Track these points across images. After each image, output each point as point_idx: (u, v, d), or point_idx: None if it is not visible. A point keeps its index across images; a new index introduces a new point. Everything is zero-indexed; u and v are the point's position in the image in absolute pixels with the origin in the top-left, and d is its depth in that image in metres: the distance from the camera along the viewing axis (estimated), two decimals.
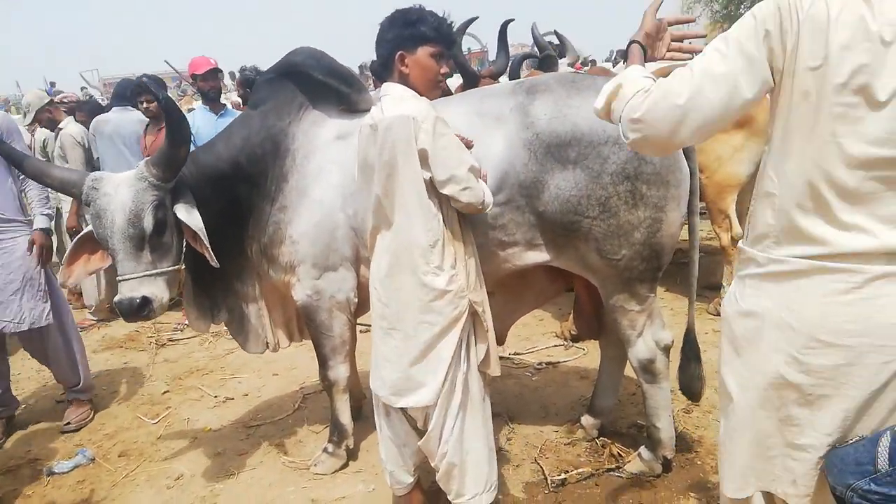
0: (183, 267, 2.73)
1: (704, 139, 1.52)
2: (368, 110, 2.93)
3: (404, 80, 2.19)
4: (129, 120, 5.39)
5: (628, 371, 3.02)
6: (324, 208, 2.78)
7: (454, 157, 2.12)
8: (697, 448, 2.95)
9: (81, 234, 2.76)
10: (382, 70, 2.23)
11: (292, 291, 2.90)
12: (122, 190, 2.53)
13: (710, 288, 4.81)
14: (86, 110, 5.90)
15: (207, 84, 4.96)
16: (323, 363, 3.02)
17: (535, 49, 5.95)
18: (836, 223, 1.35)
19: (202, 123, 4.92)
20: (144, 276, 2.57)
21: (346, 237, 2.80)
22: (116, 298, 2.58)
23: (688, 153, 2.56)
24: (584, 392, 3.60)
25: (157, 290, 2.60)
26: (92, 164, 5.37)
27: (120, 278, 2.56)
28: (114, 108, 5.61)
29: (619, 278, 2.58)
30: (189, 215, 2.63)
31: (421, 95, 2.19)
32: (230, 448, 3.37)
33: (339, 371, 3.02)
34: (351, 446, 3.10)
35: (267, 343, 3.16)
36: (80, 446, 3.52)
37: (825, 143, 1.33)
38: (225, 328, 3.29)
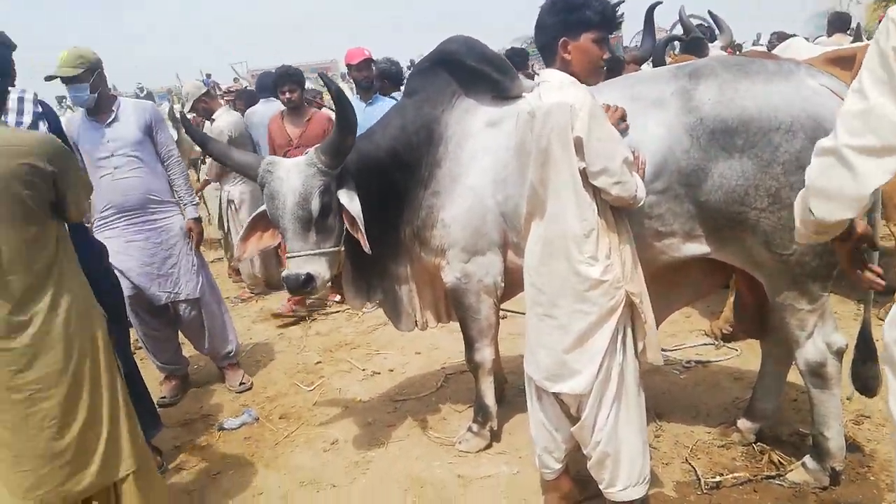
0: (343, 248, 2.90)
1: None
2: (520, 97, 2.97)
3: (565, 67, 2.16)
4: (272, 110, 5.76)
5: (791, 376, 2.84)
6: (475, 194, 2.84)
7: (608, 149, 2.08)
8: (870, 462, 2.71)
9: (256, 213, 3.00)
10: (544, 54, 2.21)
11: (442, 274, 2.99)
12: (293, 174, 2.72)
13: (885, 293, 4.37)
14: (244, 99, 6.37)
15: (361, 74, 5.19)
16: (469, 345, 3.10)
17: (681, 32, 5.67)
18: None
19: None
20: (310, 254, 2.75)
21: (495, 222, 2.84)
22: (284, 273, 2.79)
23: None
24: (737, 394, 3.42)
25: (320, 269, 2.77)
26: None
27: (288, 255, 2.77)
28: (261, 100, 6.10)
29: (788, 274, 2.42)
30: (350, 201, 2.78)
31: (581, 82, 2.15)
32: (379, 419, 3.55)
33: (485, 353, 3.09)
34: (495, 428, 3.16)
35: (416, 322, 3.28)
36: (245, 406, 3.86)
37: None
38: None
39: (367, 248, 2.75)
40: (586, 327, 2.17)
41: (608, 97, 2.54)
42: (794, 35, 6.93)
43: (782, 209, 2.31)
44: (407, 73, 5.56)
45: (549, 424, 2.39)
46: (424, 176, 2.93)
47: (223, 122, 5.73)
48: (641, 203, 2.20)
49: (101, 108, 3.62)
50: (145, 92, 20.75)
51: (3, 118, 2.48)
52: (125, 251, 3.63)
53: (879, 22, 1.36)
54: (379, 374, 4.16)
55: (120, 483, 2.25)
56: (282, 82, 5.04)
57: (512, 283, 3.00)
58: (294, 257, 2.74)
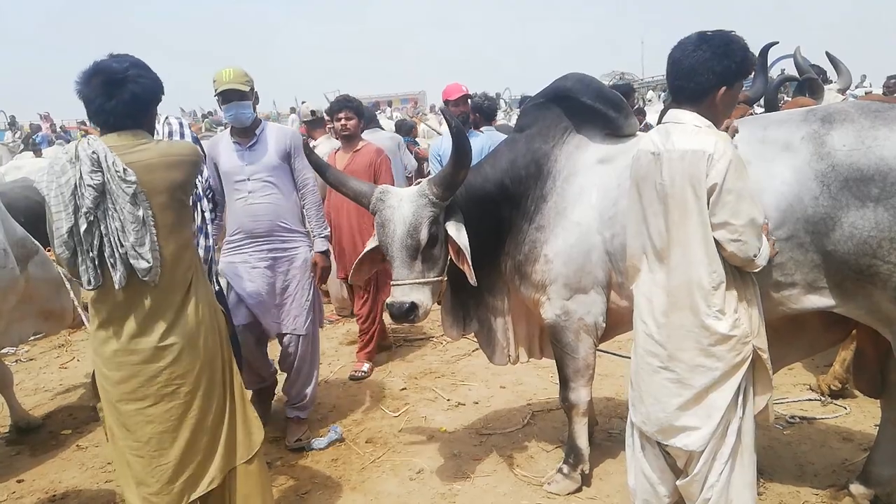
0: (446, 279, 2.93)
1: None
2: (634, 135, 2.94)
3: (711, 112, 2.10)
4: (381, 138, 6.08)
5: None
6: (581, 230, 2.82)
7: (736, 205, 2.00)
8: None
9: (370, 246, 3.06)
10: (693, 96, 2.11)
11: (541, 310, 2.97)
12: (405, 204, 2.79)
13: None
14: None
15: (458, 109, 5.27)
16: (565, 384, 3.05)
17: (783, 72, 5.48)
18: None
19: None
20: (415, 283, 2.79)
21: (600, 260, 2.81)
22: (388, 300, 2.83)
23: None
24: (847, 455, 3.21)
25: (424, 298, 2.81)
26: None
27: (394, 283, 2.82)
28: (366, 130, 6.34)
29: None
30: (458, 233, 2.81)
31: (717, 126, 2.10)
32: (465, 452, 3.52)
33: (581, 394, 3.03)
34: (587, 471, 3.08)
35: (509, 356, 3.26)
36: (333, 423, 3.92)
37: None
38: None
39: (472, 280, 2.77)
40: (708, 383, 2.09)
41: (738, 137, 2.49)
42: None
43: None
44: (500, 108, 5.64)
45: (652, 476, 2.30)
46: (530, 210, 2.94)
47: (323, 149, 5.96)
48: (759, 269, 2.10)
49: (247, 130, 3.56)
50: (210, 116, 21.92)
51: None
52: (248, 276, 3.54)
53: None
54: (464, 405, 4.14)
55: (233, 471, 2.37)
56: (338, 108, 4.75)
57: (613, 324, 2.94)
58: (400, 285, 2.78)
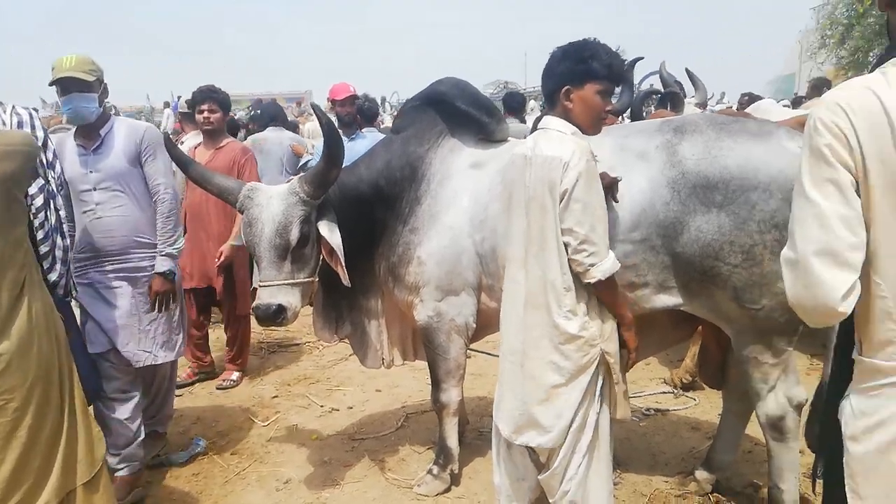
0: (317, 279, 2.86)
1: None
2: (505, 141, 3.01)
3: (566, 115, 2.20)
4: (283, 138, 6.02)
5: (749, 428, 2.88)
6: (453, 233, 2.85)
7: (581, 215, 2.08)
8: None
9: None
10: (548, 101, 2.25)
11: (414, 311, 2.97)
12: (274, 202, 2.69)
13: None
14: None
15: (344, 109, 5.20)
16: (436, 385, 3.06)
17: (652, 86, 5.88)
18: None
19: None
20: (283, 284, 2.70)
21: (470, 263, 2.85)
22: (254, 303, 2.71)
23: None
24: (695, 444, 3.46)
25: (292, 299, 2.72)
26: None
27: (261, 284, 2.70)
28: (269, 127, 6.17)
29: (755, 329, 2.48)
30: (331, 233, 2.75)
31: (583, 132, 2.19)
32: (335, 458, 3.44)
33: (452, 394, 3.05)
34: (456, 471, 3.10)
35: (382, 359, 3.24)
36: (195, 435, 3.70)
37: None
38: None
39: (346, 280, 2.73)
40: (558, 382, 2.18)
41: (602, 142, 2.59)
42: (760, 97, 7.28)
43: (754, 266, 2.38)
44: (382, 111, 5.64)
45: (515, 473, 2.36)
46: (405, 212, 2.93)
47: (191, 144, 5.66)
48: (594, 281, 2.13)
49: (90, 128, 3.02)
50: (114, 111, 20.39)
51: None
52: (104, 299, 3.03)
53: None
54: (338, 410, 4.06)
55: (72, 493, 2.13)
56: (201, 99, 4.37)
57: (483, 324, 2.99)
58: (267, 286, 2.68)
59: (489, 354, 4.15)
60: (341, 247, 2.73)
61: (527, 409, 2.23)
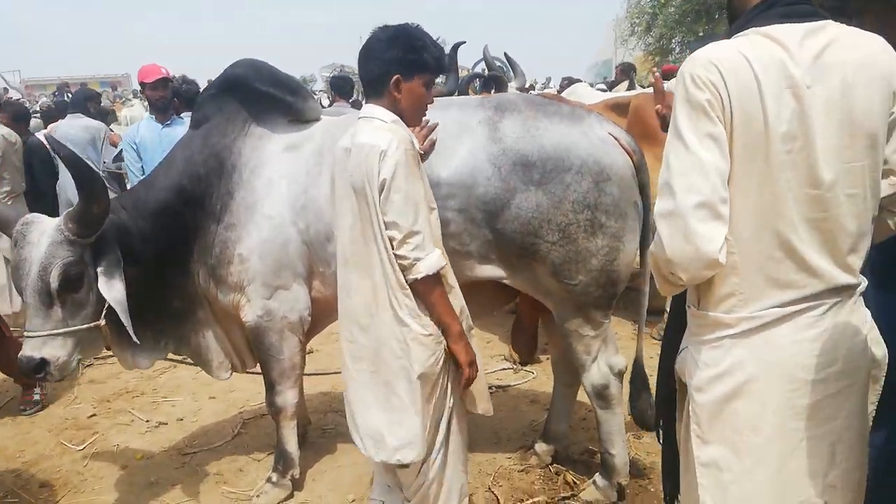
0: (104, 322, 2.54)
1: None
2: (318, 119, 2.87)
3: (392, 104, 2.04)
4: (79, 127, 5.41)
5: (579, 396, 3.02)
6: (273, 223, 2.69)
7: (403, 207, 1.94)
8: (650, 474, 2.96)
9: None
10: (369, 87, 2.07)
11: (241, 313, 2.77)
12: (43, 240, 2.40)
13: (652, 313, 4.89)
14: (9, 112, 5.53)
15: (156, 94, 4.73)
16: (270, 388, 2.89)
17: (484, 71, 6.02)
18: (807, 267, 1.37)
19: (147, 133, 4.71)
20: (50, 335, 2.43)
21: (298, 252, 2.70)
22: (20, 354, 2.45)
23: (642, 188, 2.60)
24: (534, 417, 3.58)
25: (59, 352, 2.46)
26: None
27: (26, 334, 2.44)
28: (68, 116, 5.50)
29: (574, 303, 2.58)
30: (110, 288, 2.46)
31: (406, 123, 2.07)
32: (164, 477, 3.16)
33: (287, 397, 2.89)
34: (297, 476, 2.96)
35: (231, 366, 3.00)
36: None
37: (782, 193, 1.35)
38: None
39: (133, 336, 2.47)
40: (411, 384, 2.02)
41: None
42: (580, 80, 7.70)
43: (570, 243, 2.47)
44: None
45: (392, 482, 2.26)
46: (217, 209, 2.72)
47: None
48: (420, 276, 1.97)
49: None
50: None
51: None
52: None
53: (658, 73, 1.43)
54: (166, 424, 3.73)
55: None
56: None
57: (320, 314, 2.85)
58: (30, 337, 2.41)
59: (322, 374, 4.05)
60: (122, 301, 2.46)
61: (383, 421, 2.07)
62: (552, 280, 2.53)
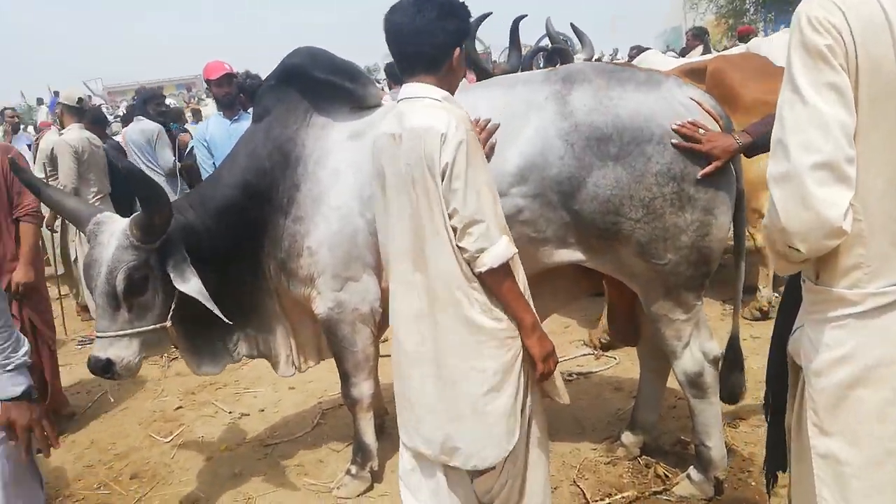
0: (169, 324, 2.55)
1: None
2: (379, 105, 2.77)
3: (444, 81, 1.87)
4: (136, 130, 5.55)
5: (669, 381, 2.83)
6: (341, 214, 2.62)
7: (465, 193, 1.75)
8: (749, 467, 2.74)
9: None
10: (422, 65, 1.87)
11: (313, 306, 2.73)
12: (112, 242, 2.42)
13: (744, 291, 4.58)
14: (88, 117, 5.73)
15: (222, 90, 4.79)
16: (345, 380, 2.84)
17: (548, 45, 5.78)
18: None
19: (216, 130, 4.80)
20: (117, 335, 2.46)
21: (367, 243, 2.62)
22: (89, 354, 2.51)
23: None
24: (619, 405, 3.40)
25: (125, 353, 2.48)
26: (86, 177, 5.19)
27: (96, 334, 2.48)
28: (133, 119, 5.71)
29: (663, 284, 2.39)
30: (184, 281, 2.45)
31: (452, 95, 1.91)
32: (247, 469, 3.19)
33: (363, 388, 2.84)
34: (376, 468, 2.91)
35: (294, 364, 2.98)
36: (89, 468, 3.36)
37: None
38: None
39: (224, 318, 2.47)
40: (484, 388, 1.85)
41: (484, 95, 2.43)
42: (649, 48, 7.32)
43: (656, 220, 2.28)
44: None
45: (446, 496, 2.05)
46: (283, 202, 2.67)
47: (72, 136, 5.16)
48: (485, 269, 1.78)
49: None
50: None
51: None
52: None
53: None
54: (248, 415, 3.78)
55: None
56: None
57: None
58: (99, 337, 2.45)
59: None
60: (203, 291, 2.45)
61: (454, 426, 1.89)
62: (638, 260, 2.35)
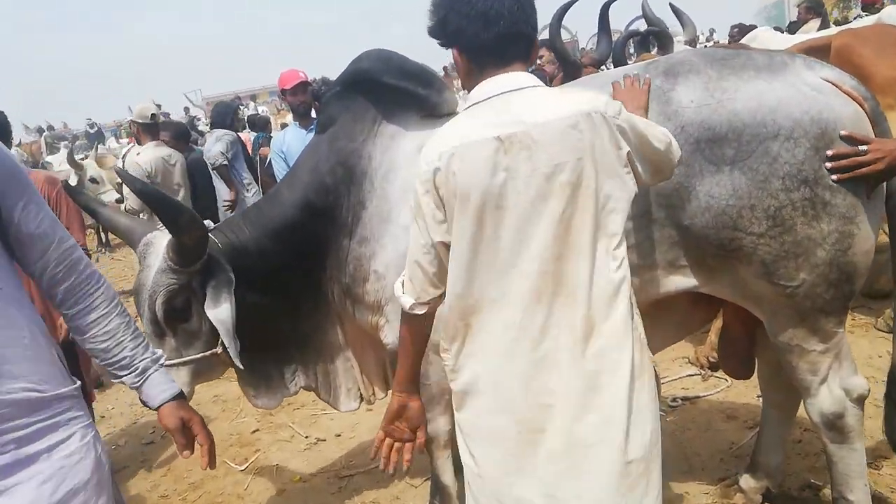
0: (220, 350, 2.33)
1: None
2: (454, 113, 2.46)
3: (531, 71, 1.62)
4: (212, 140, 5.60)
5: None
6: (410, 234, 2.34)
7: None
8: None
9: None
10: (528, 50, 1.59)
11: (381, 335, 2.47)
12: (155, 264, 2.24)
13: (873, 296, 4.00)
14: (170, 131, 5.77)
15: (297, 99, 4.70)
16: None
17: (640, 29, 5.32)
18: None
19: (292, 140, 4.72)
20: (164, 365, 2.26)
21: None
22: None
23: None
24: (733, 437, 2.97)
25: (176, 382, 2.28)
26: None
27: None
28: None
29: (795, 310, 1.97)
30: (214, 306, 2.23)
31: None
32: (320, 503, 2.99)
33: (439, 424, 2.56)
34: None
35: (361, 397, 2.75)
36: (164, 497, 3.27)
37: None
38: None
39: (237, 361, 2.24)
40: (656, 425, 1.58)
41: None
42: (754, 26, 6.63)
43: (785, 233, 1.87)
44: None
45: None
46: (348, 221, 2.43)
47: (146, 155, 5.23)
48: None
49: None
50: (96, 128, 19.95)
51: None
52: None
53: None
54: (324, 440, 3.61)
55: None
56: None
57: None
58: None
59: None
60: (227, 320, 2.22)
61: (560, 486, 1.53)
62: (763, 283, 1.94)
